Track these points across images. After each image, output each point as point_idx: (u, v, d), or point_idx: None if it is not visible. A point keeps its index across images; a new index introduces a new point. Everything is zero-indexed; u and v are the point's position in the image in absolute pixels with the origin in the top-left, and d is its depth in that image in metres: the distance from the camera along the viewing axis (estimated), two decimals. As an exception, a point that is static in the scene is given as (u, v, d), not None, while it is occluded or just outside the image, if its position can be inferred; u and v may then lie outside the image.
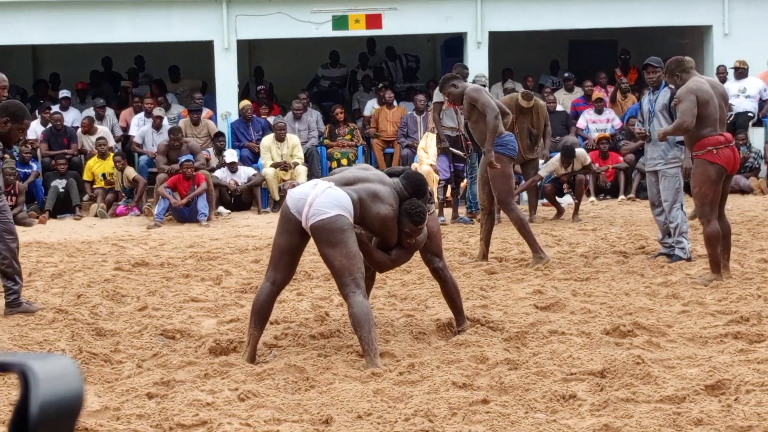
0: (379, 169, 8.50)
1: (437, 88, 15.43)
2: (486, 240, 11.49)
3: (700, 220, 9.90)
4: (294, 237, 7.02)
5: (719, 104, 9.76)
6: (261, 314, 7.11)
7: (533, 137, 15.33)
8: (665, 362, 6.59)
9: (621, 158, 18.55)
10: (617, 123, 19.69)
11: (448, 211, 16.08)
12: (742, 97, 19.52)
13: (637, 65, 20.70)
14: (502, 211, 15.48)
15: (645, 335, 7.39)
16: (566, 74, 21.90)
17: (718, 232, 9.74)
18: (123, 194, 18.10)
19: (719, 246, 9.79)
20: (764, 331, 7.47)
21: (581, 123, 19.89)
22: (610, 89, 20.72)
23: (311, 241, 7.07)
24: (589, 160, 16.42)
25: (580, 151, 16.38)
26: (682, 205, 10.94)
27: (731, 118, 18.98)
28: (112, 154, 18.35)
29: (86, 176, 18.34)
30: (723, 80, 19.80)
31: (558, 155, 16.15)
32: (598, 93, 20.41)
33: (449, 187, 15.91)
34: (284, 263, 7.10)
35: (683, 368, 6.43)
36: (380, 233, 7.22)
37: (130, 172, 18.15)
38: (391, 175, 7.43)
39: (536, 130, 15.34)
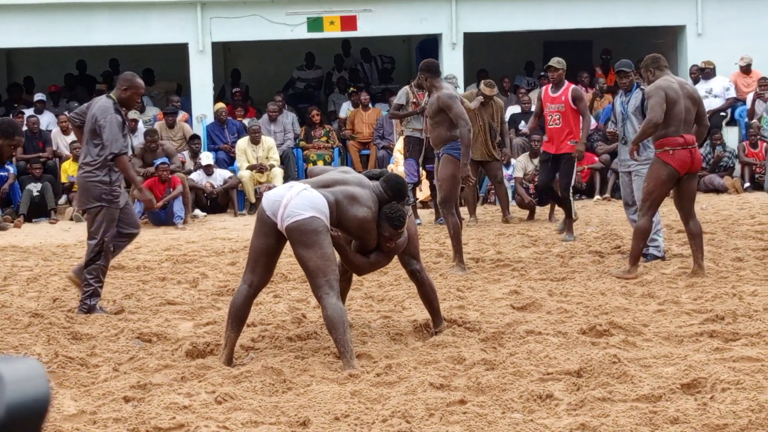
0: (355, 170, 8.48)
1: (402, 89, 15.40)
2: None
3: (639, 212, 10.09)
4: (270, 239, 7.02)
5: (686, 106, 9.85)
6: (238, 317, 7.11)
7: (494, 131, 15.28)
8: (641, 361, 6.62)
9: (596, 158, 18.62)
10: (592, 124, 19.74)
11: (422, 213, 16.09)
12: (710, 97, 19.64)
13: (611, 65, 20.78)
14: (476, 213, 15.59)
15: (621, 334, 7.42)
16: (542, 73, 21.95)
17: (648, 229, 10.03)
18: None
19: (643, 242, 10.08)
20: (739, 329, 7.52)
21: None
22: (591, 91, 20.78)
23: (288, 243, 7.07)
24: None
25: None
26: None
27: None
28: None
29: (64, 179, 18.29)
30: (696, 80, 19.92)
31: (525, 153, 16.33)
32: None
33: (418, 189, 15.90)
34: (261, 265, 7.09)
35: (659, 367, 6.46)
36: (358, 236, 7.21)
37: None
38: (369, 177, 7.43)
39: (496, 124, 15.32)
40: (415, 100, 14.93)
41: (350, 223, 7.04)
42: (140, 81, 9.48)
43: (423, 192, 16.44)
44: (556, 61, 13.23)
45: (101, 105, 9.27)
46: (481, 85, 15.34)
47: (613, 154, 17.40)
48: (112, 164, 9.10)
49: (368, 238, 7.19)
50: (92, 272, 9.17)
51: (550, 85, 13.33)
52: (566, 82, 13.23)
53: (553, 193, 13.52)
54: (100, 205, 9.12)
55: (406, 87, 15.23)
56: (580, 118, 12.99)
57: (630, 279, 9.83)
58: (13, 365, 1.61)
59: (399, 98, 15.11)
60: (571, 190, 13.20)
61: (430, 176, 15.63)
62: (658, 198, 9.96)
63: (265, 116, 19.90)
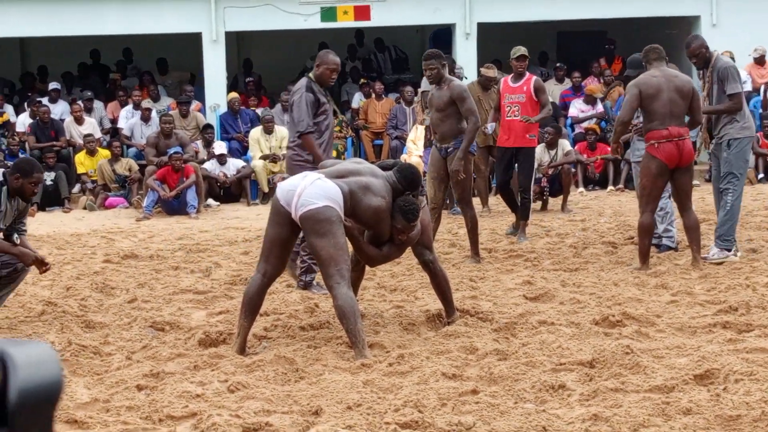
0: (368, 161, 8.50)
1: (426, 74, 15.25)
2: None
3: (639, 209, 10.06)
4: (284, 229, 7.03)
5: (672, 98, 9.78)
6: (251, 306, 7.12)
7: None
8: (654, 352, 6.61)
9: (609, 149, 18.55)
10: (599, 108, 19.73)
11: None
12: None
13: (622, 55, 20.71)
14: (488, 203, 15.55)
15: (634, 325, 7.41)
16: (557, 64, 21.92)
17: (649, 225, 9.99)
18: (116, 186, 17.99)
19: (648, 239, 10.02)
20: (753, 320, 7.50)
21: (572, 112, 19.93)
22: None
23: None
24: (569, 147, 16.46)
25: (561, 140, 16.39)
26: (670, 195, 10.92)
27: None
28: (100, 150, 18.31)
29: (80, 169, 18.33)
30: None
31: (541, 144, 16.21)
32: (590, 84, 20.43)
33: None
34: (275, 255, 7.11)
35: (672, 358, 6.45)
36: (373, 226, 7.22)
37: (133, 164, 18.13)
38: (382, 168, 7.43)
39: None
40: None
41: (364, 213, 7.05)
42: (333, 57, 9.41)
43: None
44: (526, 50, 12.88)
45: (296, 85, 9.40)
46: (482, 70, 15.20)
47: (627, 144, 17.37)
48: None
49: (382, 229, 7.19)
50: (306, 249, 9.17)
51: (510, 75, 13.00)
52: (527, 73, 12.85)
53: (511, 194, 13.07)
54: None
55: None
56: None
57: (638, 275, 9.81)
58: (25, 349, 1.60)
59: (424, 84, 14.90)
60: (531, 191, 12.78)
61: None
62: (653, 192, 9.92)
63: (278, 106, 19.89)
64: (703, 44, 10.68)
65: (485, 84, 14.83)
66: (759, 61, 20.44)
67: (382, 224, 7.16)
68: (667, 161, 9.75)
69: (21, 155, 17.88)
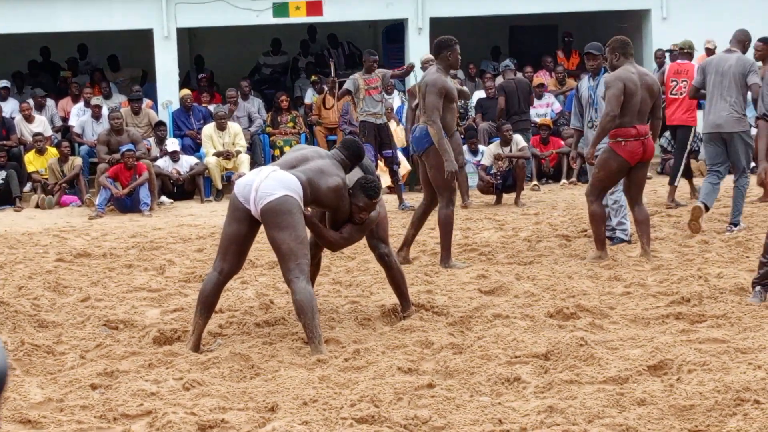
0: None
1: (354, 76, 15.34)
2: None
3: (587, 197, 10.21)
4: (242, 225, 7.01)
5: (643, 97, 9.88)
6: (207, 303, 7.10)
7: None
8: (608, 344, 6.65)
9: (562, 143, 18.64)
10: (557, 107, 19.79)
11: (385, 198, 16.07)
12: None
13: (579, 49, 20.80)
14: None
15: (588, 317, 7.46)
16: (508, 60, 21.95)
17: (602, 212, 10.12)
18: (66, 185, 17.83)
19: (603, 225, 10.14)
20: (705, 311, 7.57)
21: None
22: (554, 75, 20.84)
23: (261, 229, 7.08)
24: (523, 142, 16.45)
25: (516, 135, 16.39)
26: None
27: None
28: (49, 149, 18.14)
29: (29, 168, 18.14)
30: (661, 64, 19.92)
31: (496, 141, 16.28)
32: (540, 78, 20.47)
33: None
34: (232, 252, 7.08)
35: (626, 349, 6.50)
36: (335, 206, 7.23)
37: (78, 161, 17.99)
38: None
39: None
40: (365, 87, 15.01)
41: (326, 195, 7.09)
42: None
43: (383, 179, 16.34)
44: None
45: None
46: (424, 59, 15.34)
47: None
48: None
49: (343, 207, 7.24)
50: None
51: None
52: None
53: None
54: None
55: (356, 75, 15.31)
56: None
57: (599, 262, 9.85)
58: None
59: (349, 83, 15.15)
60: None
61: (388, 162, 15.68)
62: (607, 186, 10.08)
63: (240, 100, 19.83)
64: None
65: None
66: (710, 53, 20.54)
67: (343, 202, 7.20)
68: (630, 159, 9.85)
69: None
